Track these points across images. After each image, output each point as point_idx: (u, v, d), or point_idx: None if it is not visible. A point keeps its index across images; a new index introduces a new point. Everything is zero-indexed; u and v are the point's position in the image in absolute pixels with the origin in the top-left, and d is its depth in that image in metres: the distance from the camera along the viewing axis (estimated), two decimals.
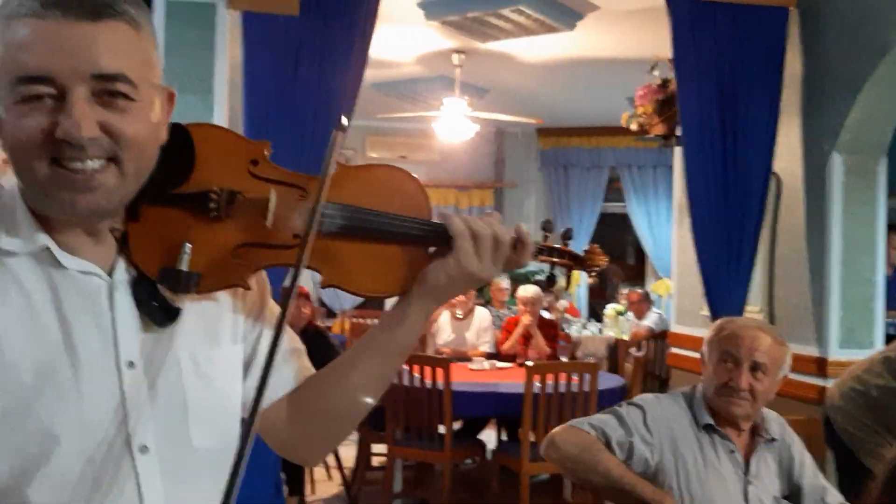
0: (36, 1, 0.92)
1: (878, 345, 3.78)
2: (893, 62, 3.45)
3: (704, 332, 2.49)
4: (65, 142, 0.92)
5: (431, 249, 1.15)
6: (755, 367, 2.21)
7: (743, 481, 2.24)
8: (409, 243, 1.13)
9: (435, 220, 1.14)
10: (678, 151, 4.83)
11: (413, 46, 6.21)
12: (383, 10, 3.69)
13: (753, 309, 4.14)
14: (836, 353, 3.77)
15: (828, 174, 3.79)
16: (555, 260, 1.25)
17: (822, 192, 3.82)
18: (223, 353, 1.11)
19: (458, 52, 6.25)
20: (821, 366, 3.76)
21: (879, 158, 3.81)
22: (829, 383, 3.49)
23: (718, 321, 2.40)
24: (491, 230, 1.11)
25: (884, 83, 3.54)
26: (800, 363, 3.73)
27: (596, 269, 1.28)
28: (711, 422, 2.25)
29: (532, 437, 4.51)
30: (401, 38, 5.85)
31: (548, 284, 1.28)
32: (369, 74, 3.78)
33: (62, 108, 0.92)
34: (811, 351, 3.82)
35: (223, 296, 1.12)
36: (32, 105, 0.92)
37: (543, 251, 1.23)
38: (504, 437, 5.50)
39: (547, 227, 1.28)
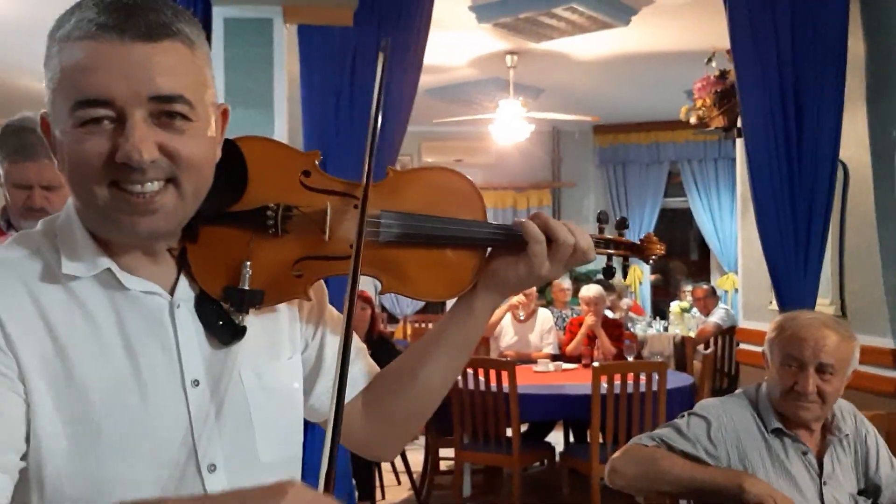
0: (91, 23, 0.91)
1: None
2: None
3: None
4: (125, 165, 0.91)
5: (489, 248, 1.15)
6: (822, 369, 2.08)
7: (818, 483, 2.13)
8: (467, 246, 1.13)
9: (490, 220, 1.14)
10: (740, 143, 4.74)
11: (466, 50, 6.21)
12: (435, 16, 3.71)
13: (824, 301, 4.04)
14: None
15: None
16: (611, 251, 1.24)
17: (892, 179, 3.71)
18: (283, 365, 1.11)
19: (512, 53, 6.22)
20: None
21: None
22: None
23: (778, 319, 2.25)
24: (574, 239, 1.11)
25: None
26: (875, 356, 3.63)
27: (653, 257, 1.27)
28: (780, 426, 2.14)
29: (601, 439, 4.46)
30: (453, 42, 5.85)
31: (606, 276, 1.27)
32: (423, 80, 3.80)
33: (121, 131, 0.91)
34: (886, 343, 3.71)
35: (282, 307, 1.12)
36: (91, 129, 0.92)
37: (600, 243, 1.21)
38: (571, 440, 5.46)
39: (602, 217, 1.26)
